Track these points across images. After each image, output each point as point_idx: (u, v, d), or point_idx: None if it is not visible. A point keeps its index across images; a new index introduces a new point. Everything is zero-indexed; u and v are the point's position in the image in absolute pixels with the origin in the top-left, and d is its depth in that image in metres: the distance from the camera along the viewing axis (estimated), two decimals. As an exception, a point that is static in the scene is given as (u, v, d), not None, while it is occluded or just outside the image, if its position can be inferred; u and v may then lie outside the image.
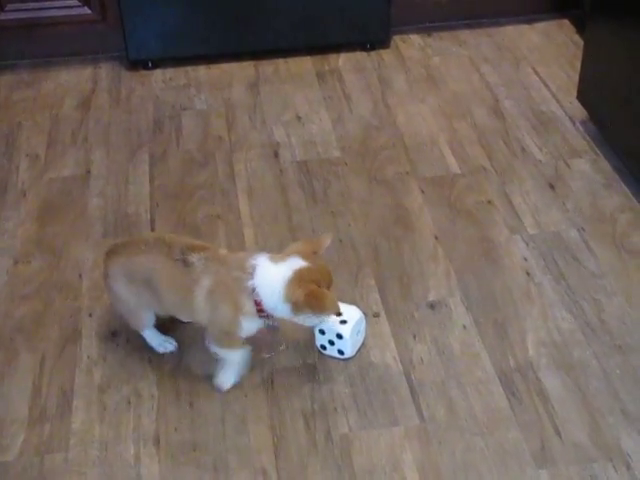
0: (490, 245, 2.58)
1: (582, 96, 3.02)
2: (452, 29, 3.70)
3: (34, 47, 3.53)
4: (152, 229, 2.67)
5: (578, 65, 3.04)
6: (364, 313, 2.26)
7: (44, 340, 2.31)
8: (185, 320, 2.25)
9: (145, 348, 2.26)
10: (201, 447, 2.04)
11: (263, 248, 2.55)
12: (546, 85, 3.32)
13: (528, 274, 2.47)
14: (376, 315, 2.35)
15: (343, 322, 2.16)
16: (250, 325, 2.06)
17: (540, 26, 3.72)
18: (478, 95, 3.28)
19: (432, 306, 2.38)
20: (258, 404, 2.13)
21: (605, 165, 2.88)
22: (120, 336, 2.32)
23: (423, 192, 2.79)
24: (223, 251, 2.13)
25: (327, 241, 2.10)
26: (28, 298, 2.45)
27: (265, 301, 2.00)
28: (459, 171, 2.88)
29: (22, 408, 2.14)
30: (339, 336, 2.17)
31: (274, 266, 2.01)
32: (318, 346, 2.23)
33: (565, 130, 3.06)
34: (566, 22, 3.73)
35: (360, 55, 3.55)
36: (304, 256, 2.01)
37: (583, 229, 2.62)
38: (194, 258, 2.04)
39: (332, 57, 3.53)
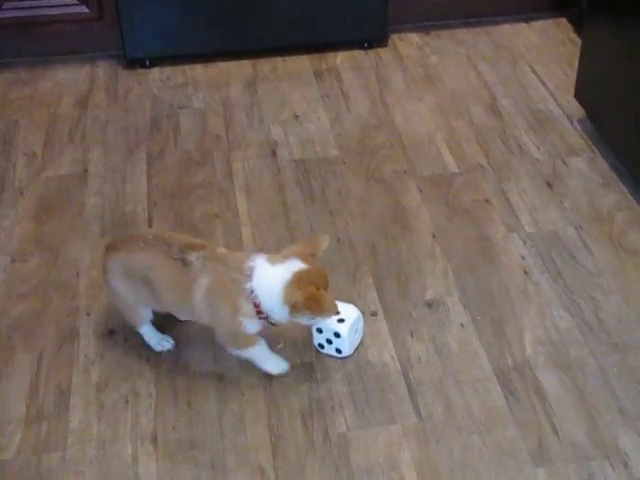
0: (487, 243, 2.58)
1: (580, 95, 3.02)
2: (450, 28, 3.70)
3: (31, 45, 3.52)
4: (150, 228, 2.67)
5: (576, 63, 3.04)
6: (362, 312, 2.26)
7: (41, 339, 2.31)
8: (183, 318, 2.25)
9: (143, 347, 2.26)
10: (199, 446, 2.04)
11: (261, 247, 2.56)
12: (544, 83, 3.32)
13: (525, 272, 2.47)
14: (374, 314, 2.35)
15: (341, 321, 2.16)
16: (252, 325, 2.06)
17: (538, 25, 3.72)
18: (476, 93, 3.28)
19: (430, 305, 2.38)
20: (256, 403, 2.13)
21: (602, 164, 2.88)
22: (118, 335, 2.32)
23: (421, 191, 2.79)
24: (221, 250, 2.13)
25: (325, 243, 2.10)
26: (25, 296, 2.44)
27: (263, 303, 2.00)
28: (457, 170, 2.88)
29: (19, 407, 2.13)
30: (337, 335, 2.17)
31: (272, 268, 2.01)
32: (316, 345, 2.23)
33: (563, 129, 3.06)
34: (564, 21, 3.73)
35: (358, 54, 3.55)
36: (302, 258, 2.01)
37: (580, 227, 2.62)
38: (192, 257, 2.04)
39: (330, 56, 3.53)
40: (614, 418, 2.07)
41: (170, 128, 3.14)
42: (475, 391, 2.14)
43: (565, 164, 2.89)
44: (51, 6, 3.42)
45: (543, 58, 3.49)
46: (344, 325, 2.16)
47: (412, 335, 2.30)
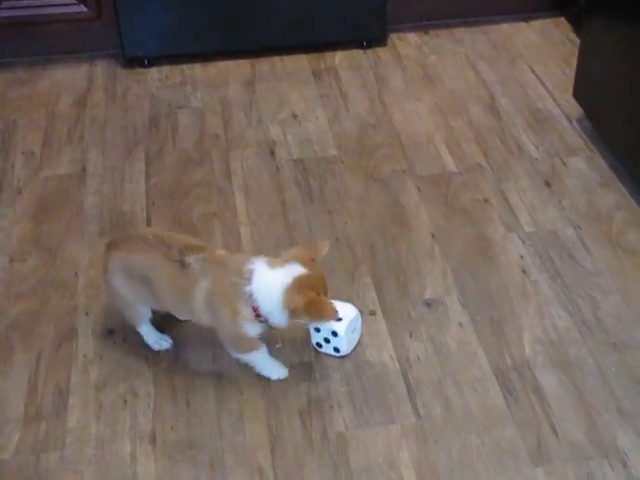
0: (486, 243, 2.58)
1: (578, 94, 3.02)
2: (448, 27, 3.70)
3: (30, 45, 3.52)
4: (150, 227, 2.67)
5: (574, 63, 3.03)
6: (360, 311, 2.26)
7: (40, 338, 2.31)
8: (183, 319, 2.25)
9: (141, 346, 2.26)
10: (197, 445, 2.03)
11: (259, 246, 2.56)
12: (542, 83, 3.32)
13: (524, 272, 2.47)
14: (372, 313, 2.35)
15: (338, 319, 2.16)
16: (252, 328, 2.05)
17: (536, 24, 3.72)
18: (474, 93, 3.28)
19: (428, 304, 2.38)
20: (254, 402, 2.13)
21: (601, 163, 2.88)
22: (116, 334, 2.31)
23: (419, 190, 2.79)
24: (221, 251, 2.12)
25: (325, 248, 2.10)
26: (24, 296, 2.44)
27: (262, 306, 1.99)
28: (455, 169, 2.88)
29: (18, 406, 2.13)
30: (334, 334, 2.17)
31: (272, 272, 2.00)
32: (314, 344, 2.23)
33: (561, 128, 3.06)
34: (562, 20, 3.73)
35: (356, 53, 3.55)
36: (303, 262, 2.01)
37: (579, 227, 2.62)
38: (191, 259, 2.04)
39: (328, 55, 3.53)
40: (613, 417, 2.07)
41: (168, 127, 3.14)
42: (474, 391, 2.14)
43: (564, 164, 2.89)
44: (49, 5, 3.41)
45: (542, 58, 3.49)
46: (342, 324, 2.16)
47: (411, 335, 2.30)
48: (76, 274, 2.51)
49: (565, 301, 2.38)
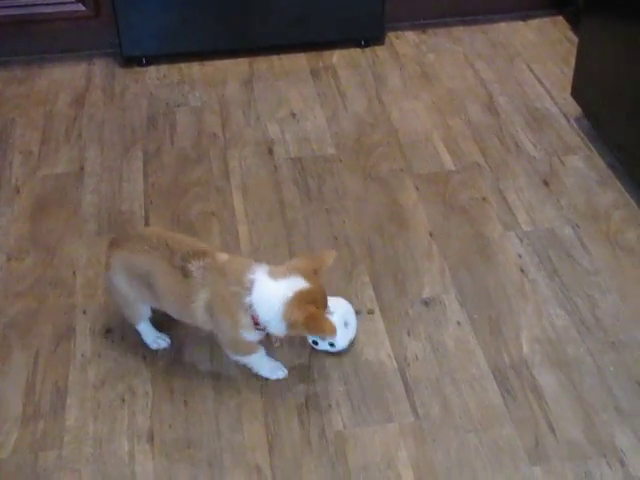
0: (484, 242, 2.58)
1: (576, 93, 3.02)
2: (446, 26, 3.70)
3: (28, 43, 3.51)
4: (146, 226, 2.66)
5: (572, 62, 3.03)
6: (358, 310, 2.26)
7: (38, 337, 2.31)
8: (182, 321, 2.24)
9: (139, 345, 2.26)
10: (195, 444, 2.03)
11: (257, 245, 2.56)
12: (540, 82, 3.32)
13: (522, 271, 2.47)
14: (370, 312, 2.35)
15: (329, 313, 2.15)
16: (251, 335, 2.05)
17: (534, 23, 3.72)
18: (472, 92, 3.28)
19: (426, 303, 2.38)
20: (252, 401, 2.13)
21: (599, 162, 2.88)
22: (114, 333, 2.31)
23: (417, 189, 2.79)
24: (223, 256, 2.08)
25: (330, 260, 2.08)
26: (22, 295, 2.44)
27: (261, 316, 1.99)
28: (453, 168, 2.88)
29: (16, 405, 2.13)
30: None
31: (273, 282, 1.99)
32: (310, 342, 2.23)
33: (559, 127, 3.06)
34: (560, 19, 3.73)
35: (354, 52, 3.55)
36: (305, 276, 1.99)
37: (577, 226, 2.62)
38: (193, 267, 2.02)
39: (326, 54, 3.53)
40: (611, 416, 2.07)
41: (167, 126, 3.13)
42: (472, 389, 2.14)
43: (562, 162, 2.89)
44: (47, 4, 3.41)
45: (540, 56, 3.49)
46: (333, 317, 2.14)
47: (409, 333, 2.30)
48: (74, 273, 2.51)
49: (563, 300, 2.38)
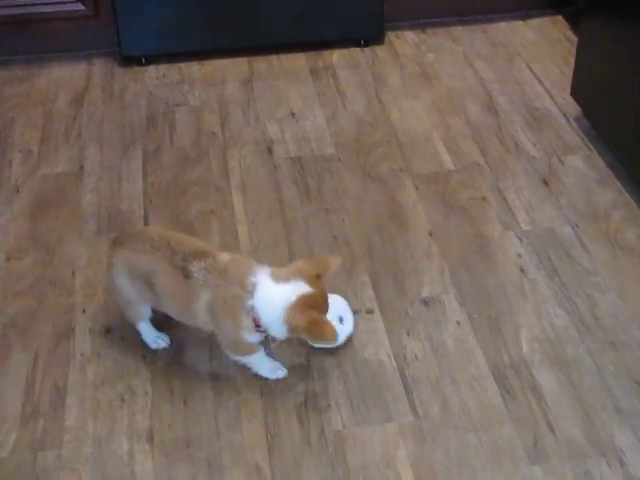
0: (484, 241, 2.58)
1: (576, 92, 3.02)
2: (446, 25, 3.70)
3: (27, 43, 3.51)
4: (146, 226, 2.66)
5: (572, 61, 3.03)
6: (358, 309, 2.26)
7: (37, 337, 2.31)
8: (182, 322, 2.24)
9: (139, 345, 2.26)
10: (195, 444, 2.03)
11: (257, 244, 2.56)
12: (540, 81, 3.32)
13: (522, 270, 2.47)
14: (370, 311, 2.35)
15: None
16: (252, 337, 2.05)
17: (534, 22, 3.72)
18: (472, 91, 3.28)
19: (426, 302, 2.38)
20: (252, 401, 2.13)
21: (599, 161, 2.88)
22: (114, 333, 2.31)
23: (417, 188, 2.79)
24: (224, 257, 2.06)
25: (334, 265, 2.08)
26: (21, 294, 2.44)
27: (263, 319, 1.98)
28: (453, 167, 2.88)
29: (15, 405, 2.13)
30: None
31: (276, 286, 1.98)
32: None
33: (559, 126, 3.06)
34: (560, 18, 3.73)
35: (354, 51, 3.54)
36: (308, 280, 1.99)
37: (577, 225, 2.62)
38: (194, 268, 2.02)
39: (326, 53, 3.53)
40: (610, 416, 2.07)
41: (166, 126, 3.13)
42: (471, 389, 2.14)
43: (561, 162, 2.89)
44: (47, 3, 3.41)
45: (539, 56, 3.49)
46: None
47: (408, 333, 2.30)
48: (73, 272, 2.51)
49: (563, 299, 2.38)
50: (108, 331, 2.32)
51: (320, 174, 2.87)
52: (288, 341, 2.23)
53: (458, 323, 2.32)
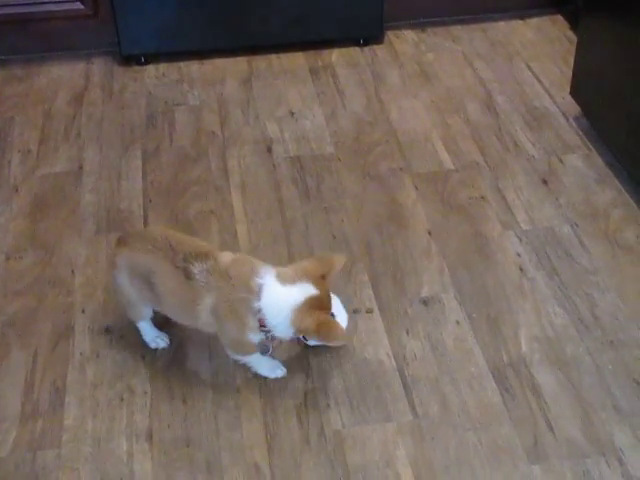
0: (483, 241, 2.58)
1: (575, 92, 3.02)
2: (445, 25, 3.70)
3: (27, 42, 3.51)
4: (145, 225, 2.67)
5: (571, 61, 3.03)
6: (358, 309, 2.27)
7: (36, 336, 2.31)
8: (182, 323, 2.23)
9: (138, 344, 2.26)
10: (194, 443, 2.03)
11: (256, 244, 2.56)
12: (539, 81, 3.32)
13: (521, 270, 2.47)
14: (369, 311, 2.35)
15: None
16: (255, 337, 2.05)
17: (533, 22, 3.72)
18: (471, 91, 3.28)
19: (425, 302, 2.38)
20: (251, 400, 2.13)
21: (598, 161, 2.88)
22: (113, 332, 2.31)
23: (416, 188, 2.79)
24: (226, 257, 2.06)
25: (339, 264, 2.07)
26: (20, 294, 2.44)
27: (269, 320, 1.98)
28: (452, 167, 2.88)
29: (14, 404, 2.13)
30: None
31: (282, 288, 1.98)
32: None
33: (558, 126, 3.06)
34: (559, 18, 3.73)
35: (353, 51, 3.54)
36: (314, 281, 1.99)
37: (576, 225, 2.62)
38: (196, 269, 2.01)
39: (325, 53, 3.53)
40: (609, 415, 2.07)
41: (165, 125, 3.13)
42: (470, 388, 2.14)
43: (561, 161, 2.89)
44: (46, 3, 3.41)
45: (539, 55, 3.49)
46: None
47: (408, 332, 2.30)
48: (73, 272, 2.50)
49: (562, 299, 2.38)
50: (107, 331, 2.32)
51: (319, 173, 2.87)
52: (288, 341, 2.24)
53: (457, 322, 2.32)
